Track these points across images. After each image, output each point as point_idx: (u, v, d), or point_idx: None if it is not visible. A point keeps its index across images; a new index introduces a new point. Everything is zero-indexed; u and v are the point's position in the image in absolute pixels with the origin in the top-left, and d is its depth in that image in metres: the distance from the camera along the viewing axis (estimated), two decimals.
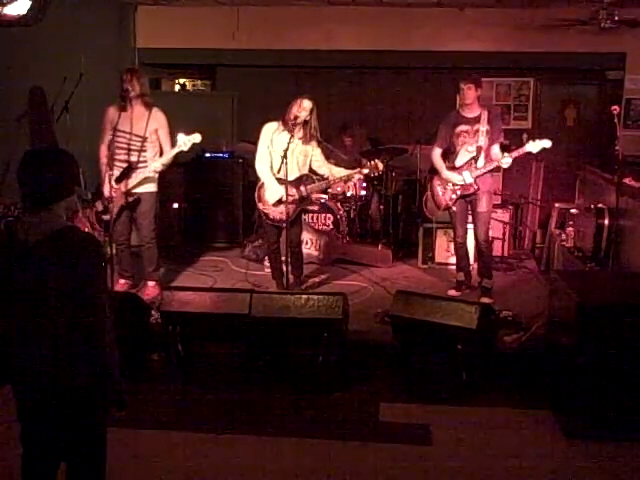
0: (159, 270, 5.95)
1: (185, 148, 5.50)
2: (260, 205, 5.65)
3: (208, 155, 7.76)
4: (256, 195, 5.69)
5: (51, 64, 6.49)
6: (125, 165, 5.46)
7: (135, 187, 5.54)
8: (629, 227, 5.39)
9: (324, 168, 5.65)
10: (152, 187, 5.63)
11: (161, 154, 5.59)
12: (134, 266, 5.97)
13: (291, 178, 5.43)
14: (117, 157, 5.48)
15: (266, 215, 5.65)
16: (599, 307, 3.88)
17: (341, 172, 5.66)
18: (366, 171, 5.61)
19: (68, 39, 6.84)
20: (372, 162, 5.55)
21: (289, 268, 5.62)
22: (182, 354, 4.59)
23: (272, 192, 5.52)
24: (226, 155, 7.82)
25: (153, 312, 5.00)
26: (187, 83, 10.11)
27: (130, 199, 5.54)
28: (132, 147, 5.50)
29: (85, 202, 6.31)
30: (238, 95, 8.39)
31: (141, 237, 5.70)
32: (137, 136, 5.49)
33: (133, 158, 5.50)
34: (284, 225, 5.52)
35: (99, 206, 5.60)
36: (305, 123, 5.40)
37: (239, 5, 8.10)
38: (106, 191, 5.44)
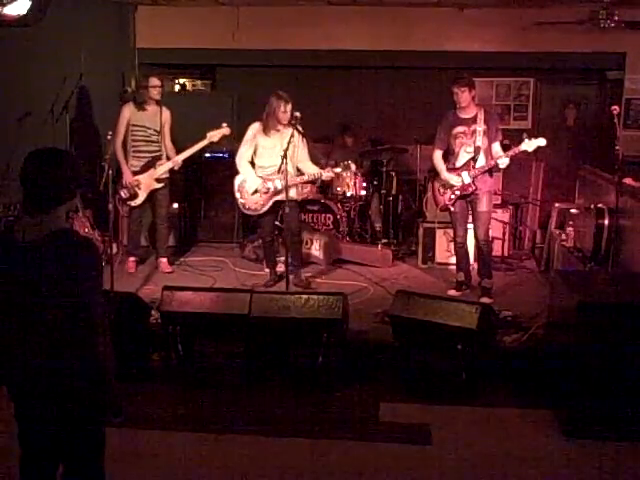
0: (168, 249, 6.71)
1: (216, 139, 6.12)
2: (237, 195, 5.92)
3: (208, 155, 7.76)
4: (235, 187, 5.93)
5: (51, 64, 6.49)
6: (146, 156, 6.21)
7: (162, 174, 6.25)
8: (629, 227, 5.39)
9: (301, 164, 5.85)
10: (167, 173, 6.34)
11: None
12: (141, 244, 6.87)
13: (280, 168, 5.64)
14: (139, 149, 6.23)
15: (243, 205, 5.93)
16: (599, 307, 3.88)
17: (311, 170, 5.86)
18: (338, 170, 5.81)
19: (68, 39, 6.84)
20: (345, 162, 5.79)
21: (288, 261, 5.85)
22: (182, 354, 4.59)
23: (249, 183, 5.80)
24: (226, 155, 7.81)
25: (153, 312, 5.00)
26: (187, 83, 10.09)
27: (161, 185, 6.27)
28: (152, 140, 6.22)
29: (86, 202, 6.33)
30: (238, 95, 8.38)
31: (160, 217, 6.46)
32: (155, 130, 6.21)
33: (154, 149, 6.24)
34: (258, 214, 5.92)
35: (124, 194, 6.20)
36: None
37: (239, 5, 8.09)
38: (128, 179, 6.16)
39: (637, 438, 3.82)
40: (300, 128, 5.67)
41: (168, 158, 6.29)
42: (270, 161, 5.73)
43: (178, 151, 6.30)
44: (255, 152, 5.83)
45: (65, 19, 6.69)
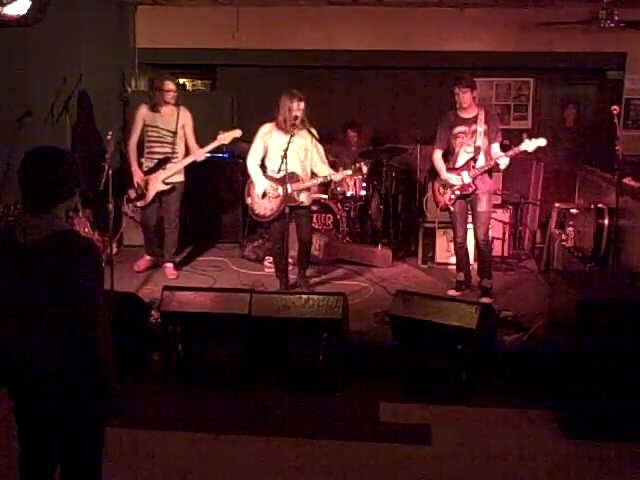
0: (177, 254, 6.59)
1: (226, 141, 6.10)
2: (248, 200, 5.79)
3: (208, 155, 7.74)
4: (245, 190, 5.84)
5: (51, 64, 6.49)
6: (159, 157, 6.12)
7: (171, 177, 6.15)
8: (629, 227, 5.39)
9: (316, 167, 5.69)
10: (182, 177, 6.27)
11: (186, 147, 6.22)
12: (159, 247, 6.57)
13: (292, 170, 5.49)
14: (152, 150, 6.17)
15: (252, 210, 5.78)
16: (599, 307, 3.88)
17: (325, 172, 5.66)
18: (349, 172, 5.65)
19: (68, 39, 6.83)
20: (356, 164, 5.65)
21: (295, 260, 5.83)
22: (182, 354, 4.59)
23: (257, 186, 5.65)
24: (226, 155, 7.81)
25: (153, 312, 5.01)
26: (187, 83, 10.09)
27: (167, 187, 6.16)
28: (166, 141, 6.13)
29: (86, 202, 6.34)
30: (238, 95, 8.38)
31: (168, 220, 6.32)
32: (169, 131, 6.11)
33: (167, 150, 6.14)
34: (267, 221, 5.72)
35: (132, 194, 6.17)
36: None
37: (239, 5, 8.09)
38: (138, 178, 6.12)
39: (637, 438, 3.83)
40: (314, 132, 5.59)
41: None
42: (280, 165, 5.46)
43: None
44: (266, 154, 5.65)
45: (65, 19, 6.68)
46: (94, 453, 2.58)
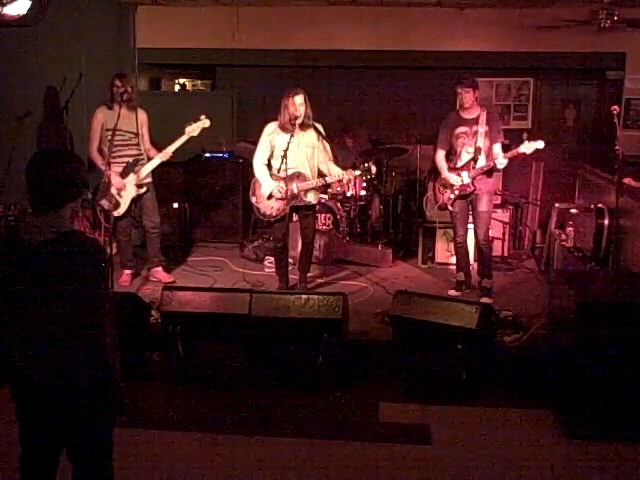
0: (161, 254, 6.33)
1: (195, 133, 5.84)
2: (253, 199, 5.75)
3: (208, 155, 7.77)
4: (250, 190, 5.80)
5: (51, 64, 6.49)
6: (126, 161, 5.89)
7: (144, 179, 5.95)
8: (629, 227, 5.39)
9: (323, 165, 5.66)
10: (150, 177, 6.06)
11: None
12: (136, 255, 6.41)
13: (301, 171, 5.51)
14: (118, 154, 5.86)
15: (257, 210, 5.74)
16: (598, 307, 3.88)
17: (335, 171, 5.62)
18: (358, 172, 5.63)
19: (68, 39, 6.83)
20: (365, 164, 5.57)
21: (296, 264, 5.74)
22: (182, 354, 4.59)
23: (264, 187, 5.60)
24: (226, 155, 7.82)
25: (153, 312, 5.01)
26: (187, 83, 10.10)
27: (142, 191, 5.96)
28: (132, 143, 5.92)
29: (85, 202, 6.33)
30: (238, 95, 8.39)
31: (153, 224, 6.13)
32: (133, 133, 5.92)
33: (134, 153, 5.94)
34: (273, 220, 5.65)
35: (105, 204, 5.86)
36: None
37: (239, 5, 8.10)
38: (117, 184, 5.83)
39: (637, 438, 3.83)
40: (320, 128, 5.54)
41: (149, 160, 5.95)
42: (280, 164, 5.42)
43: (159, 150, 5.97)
44: (272, 154, 5.59)
45: (65, 19, 6.68)
46: (104, 454, 2.59)
